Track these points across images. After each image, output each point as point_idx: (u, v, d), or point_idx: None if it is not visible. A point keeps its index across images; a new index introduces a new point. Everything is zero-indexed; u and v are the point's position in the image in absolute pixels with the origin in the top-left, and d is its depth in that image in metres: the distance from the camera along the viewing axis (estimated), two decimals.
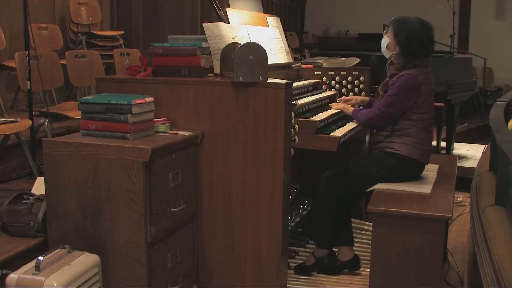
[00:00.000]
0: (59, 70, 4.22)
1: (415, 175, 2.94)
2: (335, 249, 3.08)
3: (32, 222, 2.52)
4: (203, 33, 2.67)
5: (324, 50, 4.88)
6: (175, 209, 2.35)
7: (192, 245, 2.58)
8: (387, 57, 3.02)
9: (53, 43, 5.10)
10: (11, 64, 4.39)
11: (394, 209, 2.52)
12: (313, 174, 3.79)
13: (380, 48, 3.07)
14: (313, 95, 3.29)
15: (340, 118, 3.20)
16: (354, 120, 3.13)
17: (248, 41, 2.99)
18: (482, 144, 5.74)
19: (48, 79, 4.01)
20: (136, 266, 2.22)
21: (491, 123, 2.65)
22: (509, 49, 9.58)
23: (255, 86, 2.41)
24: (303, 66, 3.69)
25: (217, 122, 2.48)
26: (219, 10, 3.07)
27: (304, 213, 3.57)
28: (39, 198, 2.58)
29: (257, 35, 3.16)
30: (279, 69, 3.29)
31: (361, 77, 3.65)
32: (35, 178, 3.02)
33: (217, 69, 2.66)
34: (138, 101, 2.32)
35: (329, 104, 3.30)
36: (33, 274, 1.97)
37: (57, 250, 2.13)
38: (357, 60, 3.78)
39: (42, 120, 3.63)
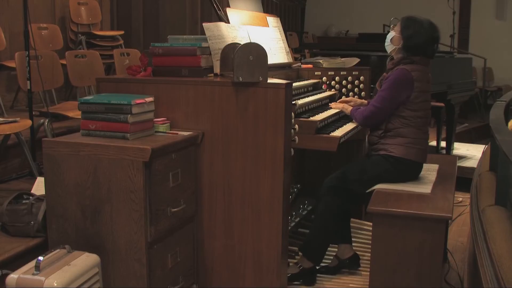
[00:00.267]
0: (59, 70, 4.22)
1: (414, 175, 2.94)
2: (333, 248, 3.08)
3: (32, 222, 2.52)
4: (203, 33, 2.67)
5: (324, 50, 4.89)
6: (175, 209, 2.35)
7: (192, 245, 2.58)
8: (389, 51, 3.02)
9: (53, 43, 5.10)
10: (11, 64, 4.39)
11: (394, 209, 2.52)
12: (313, 174, 3.80)
13: (381, 48, 3.07)
14: (313, 95, 3.29)
15: (340, 118, 3.20)
16: (352, 119, 3.13)
17: (248, 41, 2.99)
18: (482, 144, 5.74)
19: (48, 79, 4.01)
20: (136, 266, 2.22)
21: (491, 123, 2.65)
22: (509, 49, 9.58)
23: (255, 86, 2.41)
24: (303, 66, 3.69)
25: (217, 122, 2.49)
26: (219, 10, 3.07)
27: (304, 213, 3.57)
28: (39, 198, 2.58)
29: (257, 35, 3.16)
30: (279, 69, 3.29)
31: (361, 77, 3.65)
32: (35, 178, 3.02)
33: (217, 69, 2.66)
34: (138, 101, 2.32)
35: (329, 104, 3.30)
36: (33, 274, 1.97)
37: (57, 250, 2.13)
38: (357, 60, 3.78)
39: (42, 120, 3.63)
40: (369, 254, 2.64)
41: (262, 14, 3.43)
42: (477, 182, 2.86)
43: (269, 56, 2.47)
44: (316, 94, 3.34)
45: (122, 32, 5.92)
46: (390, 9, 8.65)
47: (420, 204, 2.57)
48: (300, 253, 2.99)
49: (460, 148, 5.98)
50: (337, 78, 3.63)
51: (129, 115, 2.28)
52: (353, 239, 3.21)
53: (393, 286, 2.52)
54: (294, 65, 3.59)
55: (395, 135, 2.88)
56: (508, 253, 1.74)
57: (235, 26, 2.99)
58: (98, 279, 2.16)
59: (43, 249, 2.32)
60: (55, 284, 1.94)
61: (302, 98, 3.10)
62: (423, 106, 2.90)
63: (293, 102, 2.68)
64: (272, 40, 3.33)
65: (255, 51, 2.41)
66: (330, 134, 2.82)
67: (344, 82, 3.62)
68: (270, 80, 2.45)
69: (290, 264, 2.95)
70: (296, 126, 2.64)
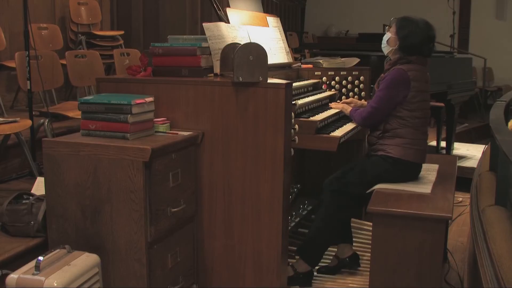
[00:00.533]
0: (59, 70, 4.22)
1: (412, 176, 2.93)
2: (333, 248, 3.08)
3: (32, 222, 2.52)
4: (203, 33, 2.67)
5: (324, 50, 4.89)
6: (175, 209, 2.35)
7: (192, 245, 2.58)
8: (386, 53, 3.02)
9: (53, 43, 5.10)
10: (11, 64, 4.39)
11: (394, 209, 2.52)
12: (313, 174, 3.80)
13: (380, 47, 3.07)
14: (313, 95, 3.29)
15: (340, 118, 3.20)
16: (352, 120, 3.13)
17: (248, 41, 2.99)
18: (482, 144, 5.74)
19: (48, 79, 4.01)
20: (136, 266, 2.22)
21: (491, 123, 2.65)
22: (509, 49, 9.58)
23: (255, 86, 2.41)
24: (303, 66, 3.69)
25: (217, 122, 2.49)
26: (219, 10, 3.07)
27: (304, 213, 3.57)
28: (39, 198, 2.58)
29: (257, 35, 3.16)
30: (279, 69, 3.29)
31: (361, 77, 3.65)
32: (35, 178, 3.01)
33: (217, 69, 2.66)
34: (138, 101, 2.32)
35: (329, 104, 3.29)
36: (33, 274, 1.97)
37: (57, 250, 2.13)
38: (357, 60, 3.78)
39: (42, 120, 3.63)
40: (369, 254, 2.64)
41: (262, 14, 3.43)
42: (477, 182, 2.85)
43: (269, 56, 2.47)
44: (316, 94, 3.34)
45: (122, 32, 5.92)
46: (390, 9, 8.65)
47: (420, 204, 2.57)
48: (297, 256, 2.98)
49: (460, 148, 5.98)
50: (337, 78, 3.63)
51: (129, 115, 2.28)
52: (353, 239, 3.21)
53: (393, 286, 2.52)
54: (294, 65, 3.59)
55: (393, 136, 2.88)
56: (508, 253, 1.74)
57: (235, 26, 2.99)
58: (98, 279, 2.16)
59: (43, 249, 2.32)
60: (55, 284, 1.94)
61: (302, 98, 3.10)
62: (421, 106, 2.89)
63: (293, 102, 2.67)
64: (272, 40, 3.33)
65: (255, 51, 2.41)
66: (330, 134, 2.82)
67: (344, 82, 3.62)
68: (270, 80, 2.45)
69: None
70: (296, 126, 2.64)
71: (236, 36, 2.92)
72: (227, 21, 2.98)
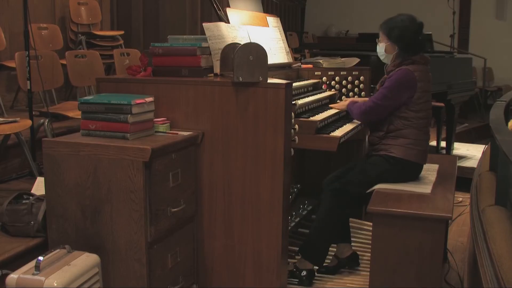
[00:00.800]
0: (59, 70, 4.22)
1: (413, 176, 2.93)
2: (332, 248, 3.09)
3: (32, 222, 2.52)
4: (203, 33, 2.67)
5: (324, 50, 4.89)
6: (175, 209, 2.35)
7: (192, 245, 2.58)
8: (388, 62, 3.00)
9: (53, 43, 5.10)
10: (11, 64, 4.39)
11: (394, 209, 2.52)
12: (313, 174, 3.80)
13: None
14: (313, 95, 3.29)
15: (340, 118, 3.20)
16: (354, 120, 3.12)
17: (248, 41, 2.99)
18: (482, 144, 5.74)
19: (48, 79, 4.01)
20: (136, 266, 2.22)
21: (491, 123, 2.65)
22: (509, 49, 9.58)
23: (255, 86, 2.41)
24: (303, 66, 3.69)
25: (217, 122, 2.49)
26: (219, 10, 3.07)
27: (304, 213, 3.57)
28: (39, 198, 2.58)
29: (257, 35, 3.16)
30: (279, 69, 3.29)
31: (361, 77, 3.65)
32: (35, 178, 3.01)
33: (217, 69, 2.66)
34: (138, 101, 2.32)
35: (330, 105, 3.29)
36: (33, 274, 1.97)
37: (57, 250, 2.13)
38: (357, 60, 3.78)
39: (42, 120, 3.63)
40: (369, 254, 2.64)
41: (262, 14, 3.43)
42: (477, 182, 2.85)
43: (269, 56, 2.47)
44: (316, 94, 3.34)
45: (122, 32, 5.92)
46: (390, 9, 8.63)
47: (420, 204, 2.57)
48: (299, 255, 2.98)
49: (460, 148, 5.98)
50: (337, 78, 3.63)
51: (129, 115, 2.28)
52: (353, 239, 3.22)
53: (393, 286, 2.52)
54: (294, 65, 3.59)
55: (397, 136, 2.87)
56: (508, 253, 1.74)
57: (235, 26, 2.99)
58: (98, 279, 2.16)
59: (43, 249, 2.32)
60: (55, 284, 1.94)
61: (302, 98, 3.10)
62: (425, 106, 2.89)
63: (293, 102, 2.67)
64: (272, 40, 3.33)
65: (255, 51, 2.41)
66: (330, 134, 2.82)
67: (344, 82, 3.62)
68: (270, 80, 2.45)
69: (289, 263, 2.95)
70: (296, 126, 2.64)
71: (236, 36, 2.93)
72: (227, 21, 2.98)
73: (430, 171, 3.09)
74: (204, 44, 2.61)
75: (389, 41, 2.93)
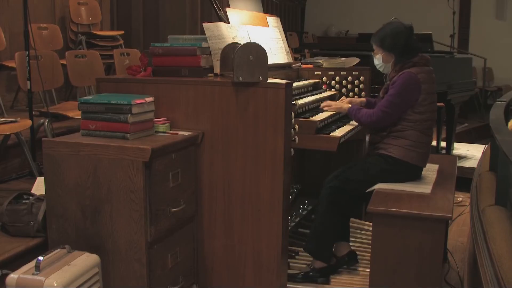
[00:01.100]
0: (59, 70, 4.22)
1: (412, 178, 2.92)
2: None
3: (32, 222, 2.52)
4: (203, 33, 2.67)
5: (324, 50, 4.89)
6: (175, 209, 2.35)
7: (192, 245, 2.58)
8: (389, 72, 3.00)
9: (53, 43, 5.10)
10: (11, 64, 4.39)
11: (394, 209, 2.52)
12: (313, 174, 3.80)
13: None
14: (313, 95, 3.29)
15: (340, 118, 3.20)
16: (353, 120, 3.11)
17: (248, 41, 2.99)
18: (482, 144, 5.74)
19: (48, 79, 4.01)
20: (136, 266, 2.22)
21: (491, 123, 2.65)
22: (509, 49, 9.58)
23: (255, 86, 2.41)
24: (303, 66, 3.69)
25: (217, 122, 2.49)
26: (219, 10, 3.07)
27: (304, 213, 3.57)
28: (39, 198, 2.58)
29: (257, 35, 3.16)
30: (279, 69, 3.29)
31: (361, 77, 3.65)
32: (35, 178, 3.01)
33: (217, 69, 2.66)
34: (138, 101, 2.32)
35: (321, 106, 3.18)
36: (33, 274, 1.97)
37: (57, 250, 2.13)
38: (357, 60, 3.78)
39: (42, 120, 3.63)
40: (369, 254, 2.64)
41: (262, 14, 3.43)
42: (477, 182, 2.85)
43: (269, 56, 2.47)
44: (316, 94, 3.34)
45: (122, 32, 5.92)
46: (390, 9, 8.65)
47: (420, 204, 2.57)
48: (299, 255, 2.98)
49: (460, 148, 5.98)
50: (337, 78, 3.63)
51: (129, 115, 2.28)
52: (353, 239, 3.21)
53: (393, 286, 2.52)
54: (294, 65, 3.59)
55: (398, 137, 2.87)
56: (508, 253, 1.74)
57: (235, 26, 2.99)
58: (98, 279, 2.16)
59: (43, 249, 2.32)
60: (55, 284, 1.94)
61: (302, 98, 3.10)
62: (430, 108, 2.89)
63: (293, 102, 2.67)
64: (272, 40, 3.33)
65: (255, 51, 2.41)
66: (330, 134, 2.82)
67: (344, 82, 3.62)
68: (270, 80, 2.45)
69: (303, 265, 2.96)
70: (296, 126, 2.64)
71: (236, 36, 2.93)
72: (227, 21, 2.98)
73: (430, 171, 3.09)
74: (204, 44, 2.61)
75: (384, 51, 2.94)
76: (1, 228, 2.60)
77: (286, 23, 9.83)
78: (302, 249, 3.28)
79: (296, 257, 3.21)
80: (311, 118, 2.86)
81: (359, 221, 3.63)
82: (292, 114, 2.54)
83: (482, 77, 9.32)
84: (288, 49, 3.50)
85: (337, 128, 2.95)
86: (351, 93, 3.62)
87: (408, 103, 2.84)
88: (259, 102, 2.41)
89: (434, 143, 5.52)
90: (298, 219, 3.48)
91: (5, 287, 1.98)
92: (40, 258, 2.01)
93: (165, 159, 2.28)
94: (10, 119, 3.31)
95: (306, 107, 3.04)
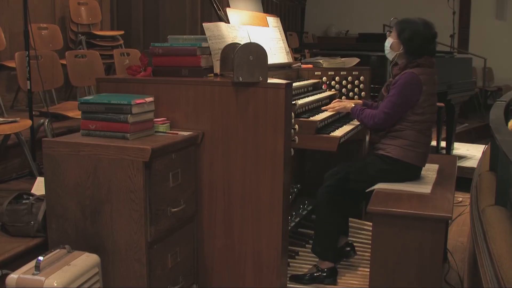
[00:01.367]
0: (59, 70, 4.22)
1: (410, 178, 2.92)
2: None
3: (32, 222, 2.52)
4: (203, 33, 2.67)
5: (324, 50, 4.89)
6: (175, 209, 2.35)
7: (192, 245, 2.58)
8: (391, 58, 2.99)
9: (53, 43, 5.10)
10: (11, 64, 4.39)
11: (394, 209, 2.52)
12: (313, 174, 3.80)
13: (381, 48, 3.06)
14: (313, 95, 3.29)
15: (340, 118, 3.20)
16: (355, 120, 3.11)
17: (248, 41, 2.99)
18: (482, 144, 5.74)
19: (48, 79, 4.01)
20: (136, 266, 2.23)
21: (491, 123, 2.65)
22: (509, 49, 9.59)
23: (255, 86, 2.41)
24: (303, 66, 3.69)
25: (217, 122, 2.49)
26: (219, 10, 3.07)
27: (304, 213, 3.57)
28: (39, 198, 2.58)
29: (257, 35, 3.16)
30: (279, 69, 3.29)
31: (361, 77, 3.65)
32: (35, 178, 3.02)
33: (217, 69, 2.66)
34: (138, 101, 2.32)
35: (326, 108, 3.20)
36: (33, 274, 1.97)
37: (57, 250, 2.13)
38: (357, 60, 3.78)
39: (42, 120, 3.63)
40: (369, 254, 2.64)
41: (262, 14, 3.43)
42: (477, 182, 2.85)
43: (269, 56, 2.47)
44: (316, 94, 3.34)
45: (122, 32, 5.92)
46: (390, 9, 8.65)
47: (420, 204, 2.57)
48: (299, 255, 2.98)
49: (460, 148, 5.98)
50: (337, 78, 3.63)
51: (129, 115, 2.28)
52: (353, 239, 3.21)
53: (393, 286, 2.52)
54: (294, 65, 3.59)
55: (396, 137, 2.87)
56: (508, 253, 1.74)
57: (235, 26, 2.99)
58: (98, 279, 2.16)
59: (43, 249, 2.32)
60: (55, 284, 1.94)
61: (302, 98, 3.10)
62: (430, 109, 2.88)
63: (293, 102, 2.67)
64: (272, 40, 3.33)
65: (255, 51, 2.41)
66: (330, 134, 2.82)
67: (344, 82, 3.62)
68: (270, 80, 2.45)
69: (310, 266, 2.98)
70: (296, 126, 2.64)
71: (236, 36, 2.93)
72: (227, 21, 2.98)
73: (430, 171, 3.09)
74: (204, 44, 2.61)
75: (398, 39, 2.92)
76: (1, 228, 2.60)
77: (286, 23, 9.83)
78: (302, 249, 3.29)
79: (296, 257, 3.21)
80: (311, 118, 2.86)
81: (359, 221, 3.63)
82: (292, 114, 2.54)
83: (482, 77, 9.32)
84: (288, 49, 3.50)
85: (337, 128, 2.95)
86: (351, 93, 3.62)
87: (409, 103, 2.84)
88: (259, 102, 2.41)
89: (434, 143, 5.53)
90: (298, 219, 3.48)
91: (5, 287, 1.98)
92: (40, 258, 2.01)
93: (165, 159, 2.28)
94: (10, 119, 3.31)
95: (306, 107, 3.04)
